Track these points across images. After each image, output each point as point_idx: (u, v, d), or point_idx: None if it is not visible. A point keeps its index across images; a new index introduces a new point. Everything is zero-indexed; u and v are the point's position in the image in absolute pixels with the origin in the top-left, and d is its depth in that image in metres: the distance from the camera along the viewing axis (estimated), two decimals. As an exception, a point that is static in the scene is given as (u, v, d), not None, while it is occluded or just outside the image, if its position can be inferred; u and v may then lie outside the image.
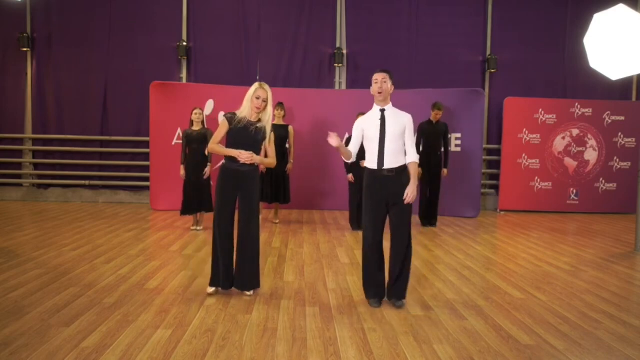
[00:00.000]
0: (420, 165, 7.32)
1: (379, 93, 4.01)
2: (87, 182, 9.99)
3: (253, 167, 4.16)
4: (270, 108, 4.11)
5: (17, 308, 3.76)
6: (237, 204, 4.21)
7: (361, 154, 4.24)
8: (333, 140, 3.80)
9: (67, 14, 9.89)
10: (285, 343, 3.27)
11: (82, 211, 8.74)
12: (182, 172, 6.95)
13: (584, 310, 4.05)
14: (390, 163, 3.93)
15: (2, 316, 3.59)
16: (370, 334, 3.44)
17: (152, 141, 9.08)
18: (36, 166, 10.09)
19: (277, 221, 7.93)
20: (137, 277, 4.69)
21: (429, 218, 8.00)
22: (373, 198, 3.97)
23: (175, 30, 10.01)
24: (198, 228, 7.11)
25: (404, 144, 4.01)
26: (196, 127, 6.94)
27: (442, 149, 7.90)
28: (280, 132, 7.48)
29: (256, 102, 4.05)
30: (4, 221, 7.55)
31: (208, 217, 6.96)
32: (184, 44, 9.87)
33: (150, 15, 9.98)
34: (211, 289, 4.24)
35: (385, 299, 4.11)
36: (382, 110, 4.05)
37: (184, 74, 10.01)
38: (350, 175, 7.40)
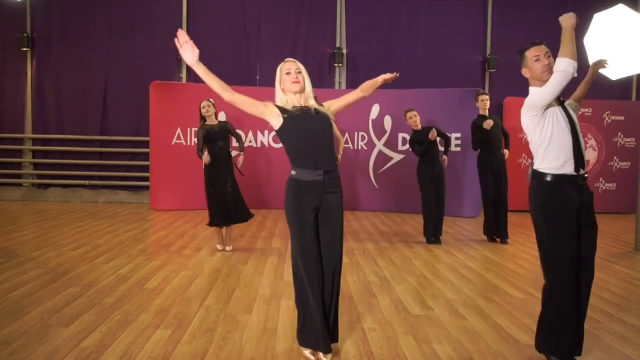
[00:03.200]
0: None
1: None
2: (87, 182, 10.00)
3: (335, 175, 3.04)
4: (309, 83, 3.10)
5: (17, 308, 3.76)
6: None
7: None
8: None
9: (67, 14, 9.89)
10: (285, 343, 3.27)
11: (82, 211, 8.74)
12: (206, 156, 5.64)
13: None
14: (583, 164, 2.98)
15: (2, 316, 3.59)
16: (370, 333, 3.44)
17: (152, 141, 9.08)
18: (36, 166, 10.09)
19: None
20: (137, 277, 4.69)
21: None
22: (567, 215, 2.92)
23: (175, 30, 9.87)
24: (227, 249, 5.85)
25: None
26: (211, 122, 5.76)
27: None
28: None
29: (289, 78, 3.04)
30: (4, 221, 7.55)
31: (239, 233, 6.77)
32: (184, 44, 9.86)
33: (150, 15, 9.98)
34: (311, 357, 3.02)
35: None
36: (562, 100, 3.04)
37: (184, 74, 10.02)
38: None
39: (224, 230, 5.91)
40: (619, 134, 9.92)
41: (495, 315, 3.87)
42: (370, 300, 4.20)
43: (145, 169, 9.64)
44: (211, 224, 5.85)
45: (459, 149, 9.09)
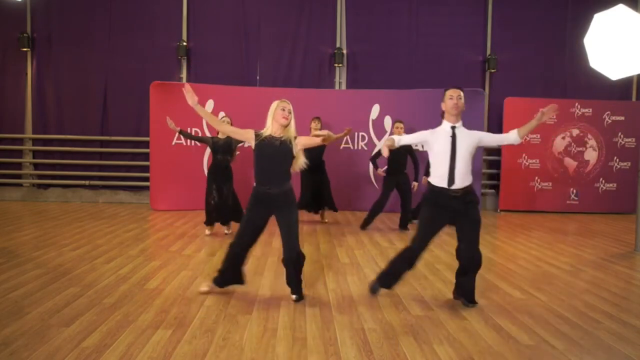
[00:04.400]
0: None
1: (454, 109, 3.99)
2: (87, 182, 10.00)
3: (286, 188, 4.02)
4: (293, 122, 4.04)
5: (17, 308, 3.76)
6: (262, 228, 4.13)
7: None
8: (385, 151, 3.93)
9: (67, 14, 9.89)
10: (285, 343, 3.27)
11: (82, 211, 8.74)
12: (169, 121, 6.65)
13: (583, 310, 4.05)
14: (460, 183, 3.91)
15: (2, 316, 3.59)
16: (370, 334, 3.44)
17: (152, 141, 9.08)
18: (36, 166, 10.09)
19: (326, 220, 8.15)
20: (137, 277, 4.69)
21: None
22: (435, 213, 3.98)
23: (175, 31, 10.01)
24: (226, 231, 6.90)
25: (472, 164, 4.04)
26: (222, 135, 6.56)
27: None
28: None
29: (282, 113, 3.96)
30: (4, 221, 7.55)
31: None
32: (184, 44, 9.88)
33: (150, 15, 9.98)
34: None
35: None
36: (453, 128, 4.00)
37: (183, 74, 10.02)
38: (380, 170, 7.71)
39: (220, 228, 6.96)
40: (619, 134, 9.92)
41: (495, 315, 3.87)
42: (370, 300, 4.20)
43: (145, 169, 9.64)
44: (207, 222, 6.78)
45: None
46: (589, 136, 9.89)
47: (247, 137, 4.06)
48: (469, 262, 3.99)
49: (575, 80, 10.24)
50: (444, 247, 6.41)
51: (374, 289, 4.19)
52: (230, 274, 4.20)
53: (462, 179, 3.90)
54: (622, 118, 9.89)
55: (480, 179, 9.36)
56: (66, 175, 9.99)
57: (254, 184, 4.03)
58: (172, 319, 3.62)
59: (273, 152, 3.97)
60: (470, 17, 10.24)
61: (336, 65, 10.06)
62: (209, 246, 6.13)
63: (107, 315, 3.66)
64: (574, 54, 9.97)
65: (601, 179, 9.95)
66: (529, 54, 10.23)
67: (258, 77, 10.06)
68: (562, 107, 9.82)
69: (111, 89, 9.91)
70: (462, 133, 3.97)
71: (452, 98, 3.97)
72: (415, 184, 7.53)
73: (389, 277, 4.17)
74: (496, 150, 10.17)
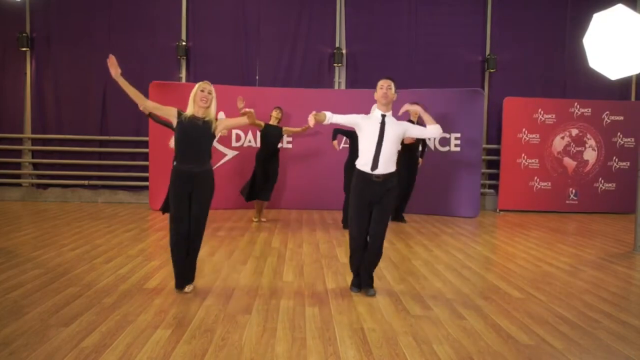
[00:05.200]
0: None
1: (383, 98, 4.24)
2: (86, 182, 9.99)
3: (206, 167, 4.17)
4: (215, 104, 4.18)
5: (16, 308, 3.76)
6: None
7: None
8: (311, 120, 4.11)
9: (66, 14, 9.88)
10: (284, 343, 3.27)
11: (81, 211, 8.74)
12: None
13: (583, 310, 4.05)
14: (383, 169, 4.14)
15: (1, 316, 3.59)
16: (369, 334, 3.44)
17: (152, 141, 9.07)
18: (35, 166, 10.08)
19: (264, 219, 8.00)
20: (136, 277, 4.69)
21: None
22: (360, 199, 4.21)
23: (174, 30, 10.01)
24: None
25: (396, 153, 4.27)
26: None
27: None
28: (274, 132, 7.72)
29: (201, 95, 4.09)
30: (3, 221, 7.54)
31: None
32: (183, 43, 9.87)
33: (149, 15, 9.98)
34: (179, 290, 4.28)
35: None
36: (383, 116, 4.25)
37: (183, 74, 10.01)
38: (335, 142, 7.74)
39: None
40: (618, 133, 9.92)
41: (494, 315, 3.87)
42: (369, 300, 4.20)
43: (145, 168, 9.64)
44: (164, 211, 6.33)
45: (458, 149, 9.09)
46: (588, 136, 9.89)
47: (170, 114, 4.17)
48: (369, 254, 4.27)
49: (574, 80, 10.24)
50: (442, 247, 6.42)
51: (354, 290, 4.42)
52: (181, 265, 4.23)
53: (386, 166, 4.13)
54: (621, 118, 9.90)
55: (480, 179, 9.36)
56: (65, 175, 9.98)
57: (174, 163, 4.17)
58: (172, 319, 3.62)
59: (196, 131, 4.08)
60: (470, 17, 10.24)
61: (335, 65, 10.06)
62: (208, 245, 6.13)
63: (106, 315, 3.65)
64: (573, 54, 9.97)
65: (600, 179, 9.95)
66: (528, 53, 10.24)
67: (257, 77, 10.05)
68: (562, 106, 9.84)
69: (110, 89, 9.90)
70: (391, 122, 4.21)
71: (382, 88, 4.23)
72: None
73: (356, 276, 4.46)
74: (495, 150, 10.18)
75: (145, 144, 9.60)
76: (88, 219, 7.86)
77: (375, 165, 4.12)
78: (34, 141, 10.05)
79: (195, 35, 10.03)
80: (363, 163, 4.19)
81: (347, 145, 7.75)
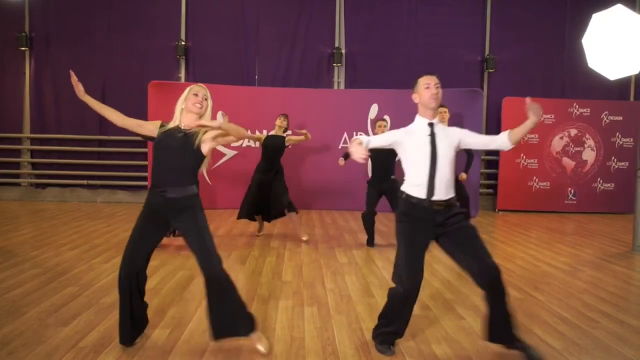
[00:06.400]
0: None
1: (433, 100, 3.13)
2: (85, 182, 9.98)
3: (188, 193, 3.08)
4: (209, 113, 3.22)
5: (14, 308, 3.75)
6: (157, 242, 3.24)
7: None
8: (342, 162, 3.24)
9: (65, 13, 9.88)
10: (283, 343, 3.27)
11: (80, 211, 8.73)
12: None
13: (581, 310, 4.05)
14: (442, 194, 3.07)
15: (0, 316, 3.59)
16: (368, 333, 3.43)
17: (151, 141, 9.06)
18: (34, 165, 10.07)
19: (306, 238, 6.68)
20: (135, 276, 4.68)
21: None
22: (414, 229, 3.11)
23: (173, 30, 10.00)
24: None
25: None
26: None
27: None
28: (275, 143, 6.67)
29: (194, 100, 3.13)
30: (2, 220, 7.53)
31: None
32: (183, 43, 9.87)
33: (148, 14, 9.97)
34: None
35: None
36: (431, 125, 3.14)
37: (182, 74, 10.01)
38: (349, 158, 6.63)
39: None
40: (617, 134, 9.93)
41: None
42: (368, 300, 4.20)
43: (144, 168, 9.64)
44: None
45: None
46: (587, 136, 9.90)
47: (151, 129, 3.23)
48: (485, 281, 2.98)
49: (573, 80, 10.25)
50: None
51: (382, 351, 3.17)
52: (128, 318, 3.08)
53: (446, 189, 3.06)
54: (620, 118, 9.91)
55: (479, 179, 9.36)
56: (64, 175, 9.97)
57: (148, 188, 3.17)
58: (170, 319, 3.62)
59: (173, 145, 3.08)
60: (469, 17, 10.24)
61: (335, 64, 10.06)
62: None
63: (104, 314, 3.65)
64: (573, 54, 9.97)
65: (599, 179, 9.96)
66: (527, 54, 10.24)
67: (257, 77, 10.05)
68: (561, 107, 9.84)
69: (110, 89, 9.90)
70: (442, 132, 3.14)
71: (429, 87, 3.15)
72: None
73: (388, 334, 3.19)
74: (494, 150, 10.16)
75: (144, 144, 9.60)
76: (87, 219, 7.85)
77: (431, 191, 3.04)
78: (33, 141, 10.04)
79: (194, 35, 10.02)
80: (415, 187, 3.09)
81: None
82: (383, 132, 6.28)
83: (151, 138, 3.27)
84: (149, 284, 4.43)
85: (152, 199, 3.10)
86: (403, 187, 3.17)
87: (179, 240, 6.31)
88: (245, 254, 5.73)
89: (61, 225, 7.27)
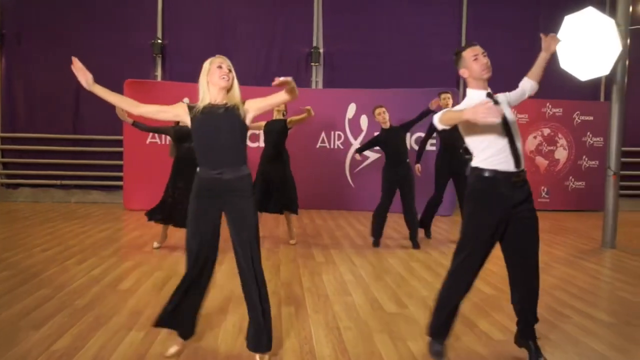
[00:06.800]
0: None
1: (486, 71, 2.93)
2: (58, 182, 9.80)
3: (242, 173, 2.94)
4: (237, 83, 3.05)
5: (-16, 311, 3.67)
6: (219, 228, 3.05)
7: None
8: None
9: (38, 10, 9.67)
10: (260, 342, 3.26)
11: (54, 211, 8.57)
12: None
13: (553, 306, 4.14)
14: (523, 163, 2.94)
15: (-31, 320, 3.51)
16: (345, 332, 3.46)
17: (126, 140, 8.95)
18: (5, 165, 9.85)
19: (293, 242, 6.42)
20: (109, 278, 4.63)
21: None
22: (488, 218, 2.91)
23: (150, 28, 9.88)
24: (156, 244, 5.94)
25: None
26: (183, 123, 5.59)
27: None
28: (277, 127, 6.20)
29: (219, 72, 2.93)
30: (-28, 222, 7.35)
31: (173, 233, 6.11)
32: (159, 41, 9.76)
33: (124, 12, 9.83)
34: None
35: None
36: (490, 94, 2.95)
37: (158, 72, 9.90)
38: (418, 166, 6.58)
39: (164, 228, 5.85)
40: (588, 133, 10.16)
41: (467, 312, 3.92)
42: (345, 298, 4.22)
43: (119, 168, 9.50)
44: (150, 217, 5.71)
45: (433, 148, 9.18)
46: (560, 135, 10.11)
47: (178, 113, 3.01)
48: (525, 293, 3.02)
49: (546, 81, 10.30)
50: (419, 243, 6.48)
51: (436, 352, 3.05)
52: (174, 309, 3.04)
53: (523, 159, 2.92)
54: (591, 118, 10.14)
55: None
56: (37, 175, 9.77)
57: (197, 170, 3.00)
58: (146, 320, 3.58)
59: (217, 123, 2.90)
60: (446, 17, 10.37)
61: (313, 64, 10.07)
62: (183, 246, 6.06)
63: (78, 317, 3.60)
64: (545, 55, 10.16)
65: (571, 178, 10.18)
66: (502, 54, 10.37)
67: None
68: (534, 107, 10.02)
69: (83, 87, 9.72)
70: (502, 98, 3.02)
71: (477, 58, 2.92)
72: (418, 166, 6.52)
73: (442, 325, 3.06)
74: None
75: (119, 143, 9.46)
76: (61, 220, 7.71)
77: (517, 159, 2.84)
78: (4, 140, 9.81)
79: (171, 33, 9.92)
80: (496, 159, 2.84)
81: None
82: (384, 118, 6.19)
83: (157, 130, 3.03)
84: (124, 285, 4.39)
85: (206, 183, 2.93)
86: (479, 164, 2.90)
87: (154, 241, 6.24)
88: (222, 255, 5.67)
89: (34, 226, 7.12)
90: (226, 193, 2.92)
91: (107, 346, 3.12)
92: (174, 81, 9.42)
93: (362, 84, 9.74)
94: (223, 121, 2.91)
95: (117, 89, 9.39)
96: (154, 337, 3.28)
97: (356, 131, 9.48)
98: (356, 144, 9.47)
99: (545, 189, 10.09)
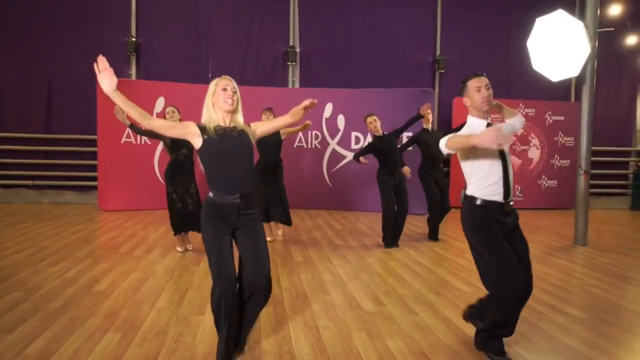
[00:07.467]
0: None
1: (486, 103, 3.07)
2: (30, 182, 9.58)
3: (254, 195, 2.98)
4: (241, 106, 3.07)
5: (-47, 315, 3.57)
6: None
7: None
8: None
9: (7, 6, 9.43)
10: (239, 343, 3.25)
11: (26, 212, 8.37)
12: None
13: (528, 302, 4.21)
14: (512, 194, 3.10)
15: (-63, 324, 3.41)
16: (323, 331, 3.47)
17: (100, 139, 8.80)
18: (-26, 165, 9.58)
19: (280, 236, 6.76)
20: (84, 279, 4.55)
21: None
22: (497, 233, 3.01)
23: (124, 25, 9.73)
24: (188, 247, 5.91)
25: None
26: None
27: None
28: (272, 138, 6.05)
29: (224, 95, 2.93)
30: (-61, 224, 7.13)
31: (190, 234, 5.99)
32: (133, 39, 9.62)
33: (98, 8, 9.67)
34: None
35: None
36: (489, 125, 3.07)
37: (133, 71, 9.75)
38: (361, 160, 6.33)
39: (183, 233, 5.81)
40: (560, 133, 10.40)
41: (444, 309, 3.98)
42: (324, 297, 4.24)
43: (93, 168, 9.33)
44: (177, 231, 5.68)
45: (410, 148, 9.25)
46: (532, 135, 10.32)
47: (189, 132, 2.90)
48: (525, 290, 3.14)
49: (519, 82, 10.65)
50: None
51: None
52: (231, 337, 2.96)
53: (512, 190, 3.09)
54: (562, 118, 10.38)
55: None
56: (8, 175, 9.53)
57: (210, 195, 2.91)
58: (122, 322, 3.53)
59: (233, 148, 2.89)
60: (421, 19, 10.49)
61: (289, 63, 10.06)
62: (160, 247, 6.01)
63: (52, 320, 3.53)
64: (518, 56, 10.32)
65: (543, 176, 10.41)
66: (476, 55, 10.56)
67: (210, 75, 9.91)
68: (508, 107, 10.19)
69: (56, 85, 9.53)
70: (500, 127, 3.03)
71: (480, 90, 3.04)
72: (407, 168, 6.46)
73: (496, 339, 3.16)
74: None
75: (93, 143, 9.29)
76: (33, 221, 7.54)
77: (507, 190, 3.01)
78: (-28, 139, 9.55)
79: (145, 31, 9.79)
80: (489, 190, 2.99)
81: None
82: (375, 126, 6.21)
83: (154, 135, 2.90)
84: (99, 287, 4.32)
85: (222, 208, 2.86)
86: (473, 193, 3.04)
87: (131, 243, 6.15)
88: (200, 255, 5.65)
89: (5, 227, 6.94)
90: (241, 215, 2.90)
91: (83, 349, 3.07)
92: (149, 80, 9.30)
93: (338, 83, 9.77)
94: (238, 146, 2.91)
95: (91, 86, 9.31)
96: (131, 339, 3.24)
97: (333, 131, 9.50)
98: (333, 143, 9.51)
99: (519, 188, 10.28)
